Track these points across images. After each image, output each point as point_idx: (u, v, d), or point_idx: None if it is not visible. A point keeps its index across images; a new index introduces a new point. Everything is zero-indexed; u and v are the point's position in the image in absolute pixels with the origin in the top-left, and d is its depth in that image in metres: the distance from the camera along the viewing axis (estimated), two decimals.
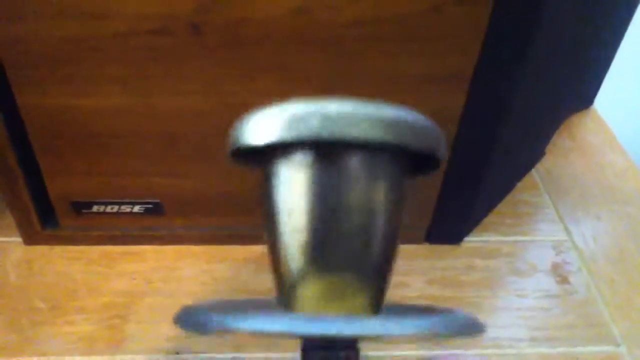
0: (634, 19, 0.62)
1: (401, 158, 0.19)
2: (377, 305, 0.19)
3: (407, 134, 0.18)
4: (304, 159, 0.18)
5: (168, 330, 0.44)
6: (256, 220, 0.49)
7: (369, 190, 0.18)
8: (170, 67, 0.40)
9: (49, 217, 0.49)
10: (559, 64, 0.52)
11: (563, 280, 0.50)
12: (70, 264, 0.48)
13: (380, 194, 0.19)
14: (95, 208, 0.47)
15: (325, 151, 0.18)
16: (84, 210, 0.48)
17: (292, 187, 0.19)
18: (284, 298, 0.20)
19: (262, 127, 0.18)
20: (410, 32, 0.38)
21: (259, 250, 0.50)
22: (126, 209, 0.48)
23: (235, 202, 0.48)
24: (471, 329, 0.18)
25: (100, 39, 0.38)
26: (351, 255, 0.18)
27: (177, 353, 0.42)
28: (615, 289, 0.49)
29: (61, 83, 0.40)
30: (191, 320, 0.18)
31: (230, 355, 0.42)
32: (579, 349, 0.44)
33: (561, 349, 0.44)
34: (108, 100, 0.41)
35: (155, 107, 0.42)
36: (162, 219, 0.49)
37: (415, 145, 0.18)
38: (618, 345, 0.45)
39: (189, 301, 0.45)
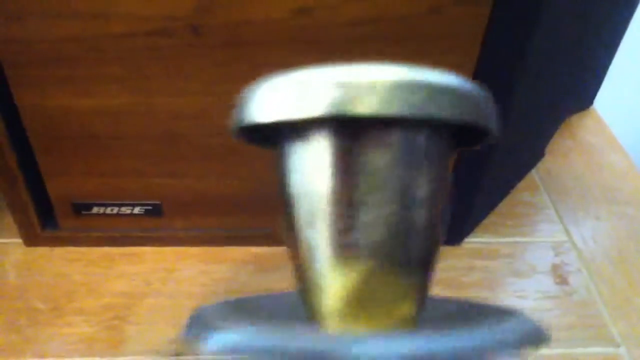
0: (633, 19, 0.62)
1: (444, 131, 0.16)
2: (418, 310, 0.17)
3: (452, 105, 0.15)
4: (324, 136, 0.15)
5: (168, 331, 0.44)
6: (255, 221, 0.49)
7: (405, 170, 0.15)
8: (170, 68, 0.40)
9: (49, 219, 0.49)
10: (558, 64, 0.52)
11: (562, 281, 0.50)
12: (69, 265, 0.48)
13: (419, 173, 0.16)
14: (95, 209, 0.47)
15: (350, 127, 0.15)
16: (84, 212, 0.48)
17: (313, 168, 0.16)
18: (307, 299, 0.17)
19: (274, 100, 0.15)
20: (409, 33, 0.38)
21: (258, 251, 0.50)
22: (126, 210, 0.48)
23: (235, 203, 0.48)
24: (536, 339, 0.15)
25: (99, 40, 0.38)
26: (385, 246, 0.16)
27: (177, 355, 0.42)
28: (615, 290, 0.49)
29: (61, 83, 0.40)
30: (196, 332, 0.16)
31: (230, 357, 0.42)
32: (579, 349, 0.44)
33: (560, 350, 0.44)
34: (108, 101, 0.41)
35: (155, 108, 0.42)
36: (161, 221, 0.49)
37: (463, 118, 0.15)
38: (618, 345, 0.45)
39: (188, 302, 0.45)
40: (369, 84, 0.14)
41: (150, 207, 0.47)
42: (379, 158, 0.15)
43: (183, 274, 0.48)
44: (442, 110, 0.15)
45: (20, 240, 0.49)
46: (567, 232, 0.54)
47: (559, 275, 0.50)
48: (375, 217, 0.15)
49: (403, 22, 0.38)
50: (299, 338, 0.14)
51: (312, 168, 0.16)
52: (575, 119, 0.69)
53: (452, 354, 0.13)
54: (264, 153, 0.48)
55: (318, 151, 0.16)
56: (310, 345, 0.13)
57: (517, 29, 0.39)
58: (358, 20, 0.38)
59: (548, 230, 0.55)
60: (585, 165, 0.63)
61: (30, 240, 0.49)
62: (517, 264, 0.51)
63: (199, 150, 0.44)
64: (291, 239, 0.17)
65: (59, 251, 0.49)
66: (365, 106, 0.14)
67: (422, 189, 0.16)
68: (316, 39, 0.38)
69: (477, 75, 0.40)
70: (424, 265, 0.16)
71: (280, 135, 0.17)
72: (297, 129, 0.16)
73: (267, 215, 0.49)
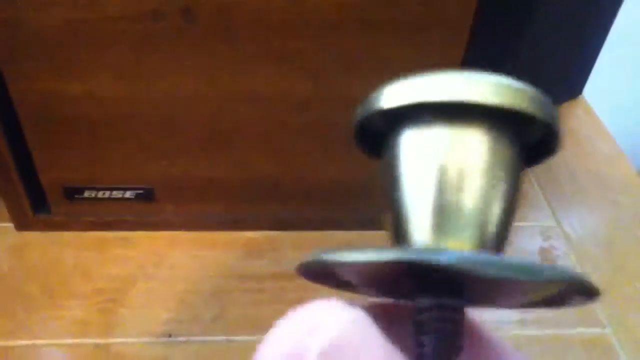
0: (621, 8, 0.63)
1: (525, 137, 0.19)
2: None
3: (545, 109, 0.18)
4: (436, 125, 0.18)
5: (160, 314, 0.44)
6: (246, 207, 0.49)
7: (498, 164, 0.18)
8: (163, 53, 0.40)
9: (41, 203, 0.49)
10: (548, 52, 0.52)
11: None
12: (62, 249, 0.48)
13: (508, 170, 0.18)
14: (86, 193, 0.48)
15: (457, 117, 0.18)
16: (76, 196, 0.48)
17: (426, 152, 0.18)
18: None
19: (403, 89, 0.19)
20: (399, 19, 0.39)
21: (250, 236, 0.50)
22: (117, 194, 0.48)
23: (226, 189, 0.48)
24: (592, 288, 0.17)
25: (92, 24, 0.38)
26: (471, 227, 0.18)
27: (170, 336, 0.42)
28: (602, 274, 0.50)
29: (53, 68, 0.40)
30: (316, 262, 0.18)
31: (221, 338, 0.43)
32: (567, 330, 0.45)
33: (549, 331, 0.45)
34: (100, 86, 0.41)
35: (148, 93, 0.42)
36: (153, 205, 0.49)
37: (553, 122, 0.18)
38: (604, 327, 0.46)
39: (181, 286, 0.46)
40: (490, 83, 0.18)
41: (141, 192, 0.48)
42: (479, 149, 0.18)
43: (175, 258, 0.48)
44: (540, 112, 0.18)
45: (12, 225, 0.49)
46: (555, 217, 0.55)
47: (548, 260, 0.51)
48: (468, 201, 0.18)
49: (393, 8, 0.38)
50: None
51: (425, 152, 0.18)
52: (564, 107, 0.70)
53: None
54: (256, 142, 0.48)
55: (432, 136, 0.18)
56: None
57: (507, 16, 0.39)
58: (349, 6, 0.38)
59: (537, 215, 0.55)
60: (574, 152, 0.63)
61: (23, 225, 0.49)
62: (506, 248, 0.52)
63: (192, 136, 0.45)
64: (395, 210, 0.19)
65: (52, 236, 0.49)
66: (484, 97, 0.17)
67: (506, 184, 0.18)
68: (308, 24, 0.39)
69: (465, 62, 0.41)
70: (497, 246, 0.19)
71: (394, 127, 0.19)
72: (416, 117, 0.19)
73: (257, 201, 0.49)
